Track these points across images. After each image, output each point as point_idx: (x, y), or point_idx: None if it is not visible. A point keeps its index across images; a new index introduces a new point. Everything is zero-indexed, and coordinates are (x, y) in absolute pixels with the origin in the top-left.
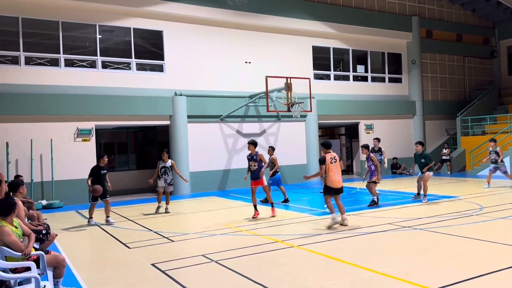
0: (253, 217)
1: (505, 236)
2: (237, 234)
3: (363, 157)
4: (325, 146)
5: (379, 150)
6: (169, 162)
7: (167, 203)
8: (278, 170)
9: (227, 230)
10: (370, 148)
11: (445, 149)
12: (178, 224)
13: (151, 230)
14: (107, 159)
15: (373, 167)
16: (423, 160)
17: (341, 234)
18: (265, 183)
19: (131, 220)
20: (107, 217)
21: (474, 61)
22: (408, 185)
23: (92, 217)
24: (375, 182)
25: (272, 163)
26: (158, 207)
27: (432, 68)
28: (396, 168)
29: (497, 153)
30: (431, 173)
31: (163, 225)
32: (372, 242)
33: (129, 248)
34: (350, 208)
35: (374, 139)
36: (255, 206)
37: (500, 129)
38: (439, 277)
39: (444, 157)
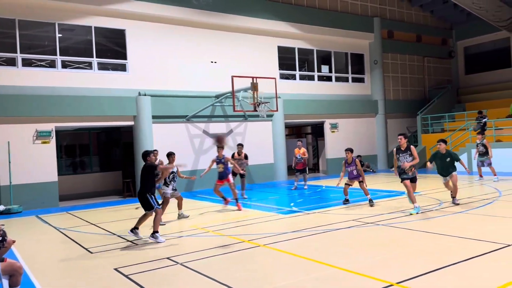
0: (225, 204)
1: (462, 230)
2: (204, 235)
3: (329, 155)
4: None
5: (408, 149)
6: (175, 167)
7: (180, 208)
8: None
9: (194, 231)
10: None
11: None
12: (143, 227)
13: (114, 234)
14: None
15: (355, 172)
16: (448, 159)
17: (307, 232)
18: (232, 180)
19: (94, 224)
20: (155, 232)
21: (433, 61)
22: (372, 183)
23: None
24: (362, 181)
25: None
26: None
27: (393, 68)
28: (360, 166)
29: (484, 145)
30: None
31: (127, 228)
32: (337, 238)
33: (91, 253)
34: (316, 206)
35: (399, 135)
36: (223, 197)
37: (458, 126)
38: (401, 271)
39: None
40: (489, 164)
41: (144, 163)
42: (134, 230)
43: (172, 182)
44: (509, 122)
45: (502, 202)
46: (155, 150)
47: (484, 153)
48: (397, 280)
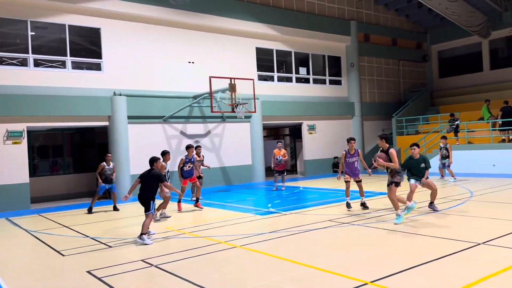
0: (179, 210)
1: (435, 230)
2: (180, 237)
3: (307, 157)
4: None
5: (387, 152)
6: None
7: (165, 208)
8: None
9: (169, 233)
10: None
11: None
12: (117, 230)
13: (87, 236)
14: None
15: (356, 164)
16: (423, 165)
17: (284, 233)
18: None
19: (67, 227)
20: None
21: (408, 65)
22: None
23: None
24: (360, 181)
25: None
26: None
27: (369, 71)
28: (337, 167)
29: (447, 149)
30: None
31: (101, 231)
32: (313, 239)
33: (63, 255)
34: (294, 207)
35: (379, 136)
36: (180, 201)
37: (432, 128)
38: (376, 270)
39: None
40: (448, 166)
41: (152, 168)
42: (143, 234)
43: (169, 179)
44: (481, 124)
45: (473, 202)
46: (109, 153)
47: (446, 156)
48: (372, 279)
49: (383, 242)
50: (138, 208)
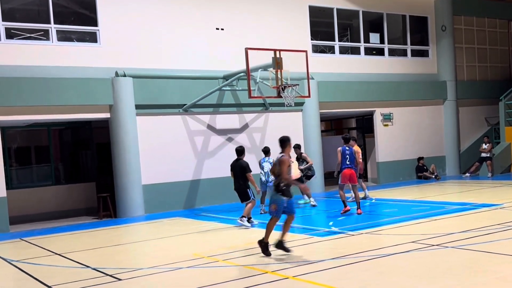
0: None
1: None
2: (211, 266)
3: (381, 158)
4: None
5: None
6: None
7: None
8: None
9: (197, 261)
10: None
11: (485, 144)
12: (129, 257)
13: (88, 266)
14: None
15: None
16: None
17: (351, 259)
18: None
19: (59, 254)
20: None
21: None
22: (437, 192)
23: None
24: None
25: None
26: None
27: (468, 37)
28: (422, 171)
29: None
30: None
31: (107, 259)
32: (390, 266)
33: None
34: (364, 225)
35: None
36: None
37: None
38: None
39: (483, 155)
40: None
41: (238, 158)
42: (247, 219)
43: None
44: None
45: None
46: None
47: None
48: None
49: (486, 269)
50: (156, 228)
